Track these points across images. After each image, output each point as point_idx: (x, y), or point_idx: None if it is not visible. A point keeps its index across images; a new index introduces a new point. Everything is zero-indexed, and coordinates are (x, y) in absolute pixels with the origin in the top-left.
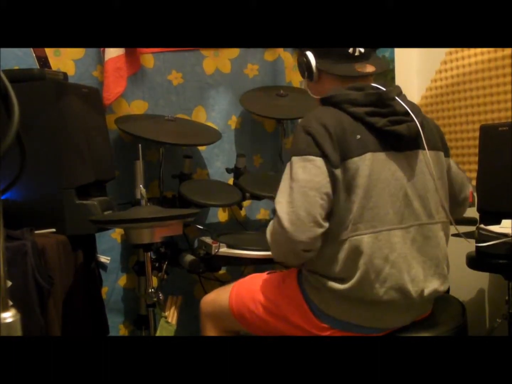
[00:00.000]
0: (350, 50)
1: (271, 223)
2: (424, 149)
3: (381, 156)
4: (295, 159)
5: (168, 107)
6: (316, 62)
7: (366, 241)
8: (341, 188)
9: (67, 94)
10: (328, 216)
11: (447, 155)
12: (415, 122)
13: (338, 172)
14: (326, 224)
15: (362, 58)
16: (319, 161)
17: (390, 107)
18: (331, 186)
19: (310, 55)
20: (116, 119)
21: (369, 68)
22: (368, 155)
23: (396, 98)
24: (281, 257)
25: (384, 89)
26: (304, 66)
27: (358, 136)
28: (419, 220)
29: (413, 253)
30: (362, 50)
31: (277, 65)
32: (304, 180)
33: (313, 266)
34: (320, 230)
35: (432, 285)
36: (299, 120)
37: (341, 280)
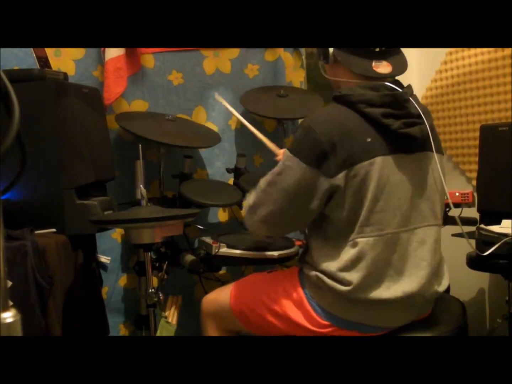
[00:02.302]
0: None
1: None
2: (432, 151)
3: (390, 159)
4: (290, 156)
5: (168, 107)
6: (334, 50)
7: (370, 244)
8: (347, 193)
9: (67, 94)
10: (322, 217)
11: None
12: (425, 124)
13: (338, 180)
14: (297, 230)
15: (383, 55)
16: (311, 171)
17: (405, 109)
18: (325, 196)
19: None
20: (116, 115)
21: (386, 68)
22: (378, 159)
23: (411, 99)
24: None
25: (399, 89)
26: (321, 49)
27: (369, 139)
28: (426, 222)
29: (418, 255)
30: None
31: (277, 65)
32: (291, 186)
33: (314, 264)
34: (288, 233)
35: (435, 286)
36: (301, 120)
37: (343, 282)
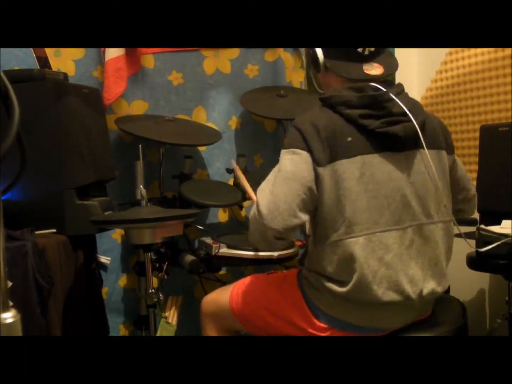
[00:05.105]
0: (360, 49)
1: (252, 210)
2: (424, 148)
3: (375, 158)
4: (283, 151)
5: (168, 107)
6: (324, 58)
7: (360, 243)
8: (328, 188)
9: (67, 95)
10: (313, 212)
11: (451, 152)
12: (413, 122)
13: (323, 171)
14: (304, 217)
15: (372, 57)
16: (305, 155)
17: (385, 109)
18: (316, 182)
19: (318, 49)
20: (116, 119)
21: (377, 70)
22: (358, 158)
23: (395, 98)
24: (255, 242)
25: (384, 89)
26: (311, 59)
27: (349, 139)
28: (417, 221)
29: (411, 254)
30: (372, 49)
31: (277, 65)
32: (289, 171)
33: (311, 265)
34: (296, 221)
35: (431, 285)
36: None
37: (339, 283)
